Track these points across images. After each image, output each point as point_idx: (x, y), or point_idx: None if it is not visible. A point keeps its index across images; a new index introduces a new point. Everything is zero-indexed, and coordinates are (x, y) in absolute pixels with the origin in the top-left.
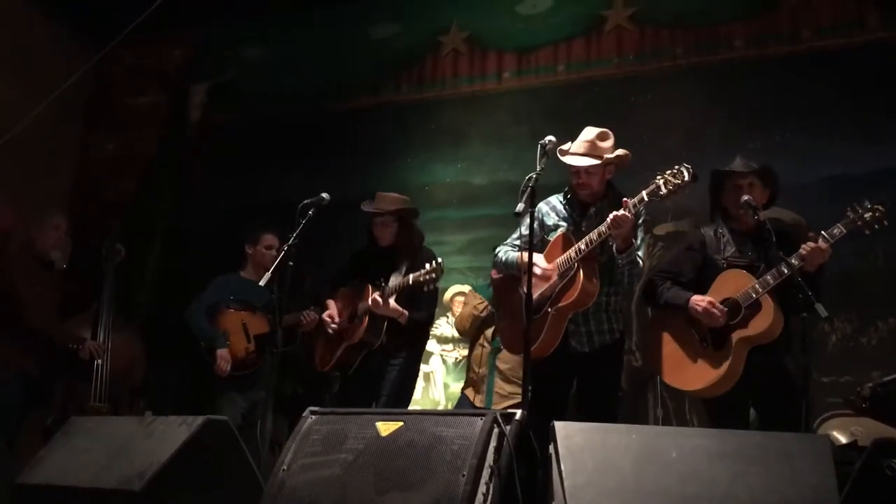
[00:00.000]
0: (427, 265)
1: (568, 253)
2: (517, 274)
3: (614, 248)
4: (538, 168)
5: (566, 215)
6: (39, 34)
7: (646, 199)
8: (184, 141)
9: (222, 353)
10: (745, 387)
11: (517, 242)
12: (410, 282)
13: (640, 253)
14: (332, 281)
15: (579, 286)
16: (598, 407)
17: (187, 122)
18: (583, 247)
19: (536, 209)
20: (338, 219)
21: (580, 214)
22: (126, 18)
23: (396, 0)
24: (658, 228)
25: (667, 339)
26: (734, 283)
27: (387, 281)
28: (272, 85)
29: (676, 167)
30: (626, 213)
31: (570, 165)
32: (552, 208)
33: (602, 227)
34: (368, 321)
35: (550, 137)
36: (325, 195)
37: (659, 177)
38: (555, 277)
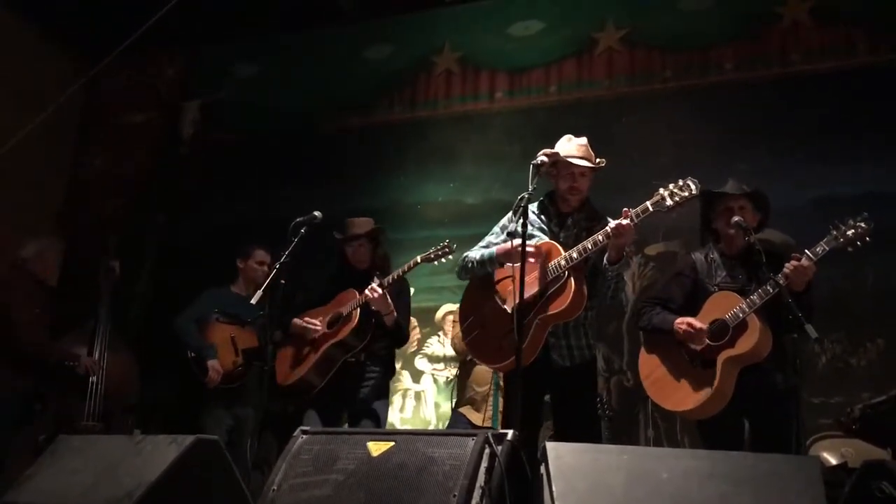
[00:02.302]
0: (433, 247)
1: (557, 260)
2: (496, 268)
3: (605, 258)
4: (530, 188)
5: (542, 226)
6: (32, 52)
7: (651, 209)
8: (176, 158)
9: (213, 363)
10: (737, 406)
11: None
12: (419, 260)
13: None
14: (302, 306)
15: (571, 295)
16: (582, 424)
17: (180, 140)
18: (575, 255)
19: (508, 220)
20: (330, 237)
21: (558, 225)
22: (119, 36)
23: (390, 21)
24: (649, 249)
25: (657, 362)
26: (724, 305)
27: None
28: (265, 103)
29: (682, 181)
30: (629, 223)
31: (572, 166)
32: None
33: (599, 236)
34: (360, 318)
35: (543, 157)
36: (317, 214)
37: (663, 189)
38: (537, 286)
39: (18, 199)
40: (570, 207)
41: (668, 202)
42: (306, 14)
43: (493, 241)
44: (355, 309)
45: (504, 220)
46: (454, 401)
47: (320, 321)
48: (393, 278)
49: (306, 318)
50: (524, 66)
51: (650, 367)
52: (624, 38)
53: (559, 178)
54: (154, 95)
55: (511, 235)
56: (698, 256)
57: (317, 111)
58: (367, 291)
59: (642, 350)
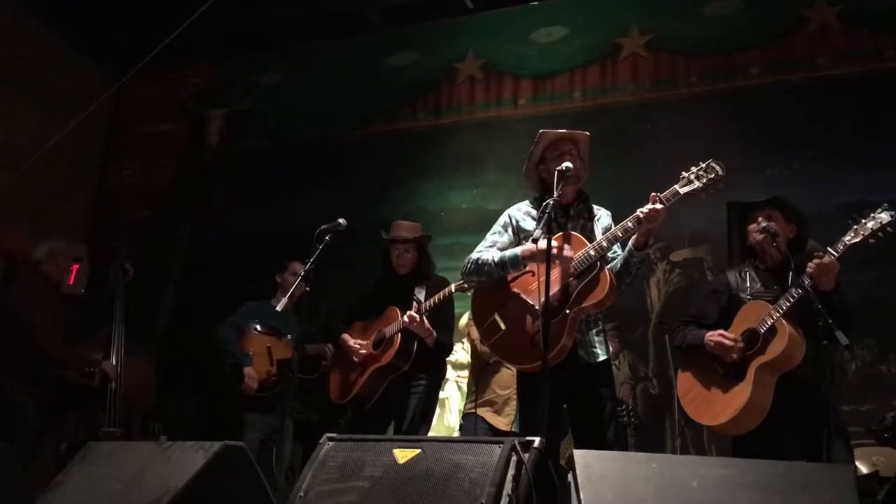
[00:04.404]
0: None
1: (585, 251)
2: (519, 270)
3: (631, 243)
4: (555, 193)
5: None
6: (59, 63)
7: (680, 192)
8: (201, 167)
9: (249, 370)
10: (773, 422)
11: (492, 248)
12: (454, 289)
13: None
14: (347, 317)
15: (608, 284)
16: (605, 424)
17: (205, 148)
18: (605, 244)
19: (509, 216)
20: (354, 245)
21: (562, 215)
22: (146, 48)
23: (413, 29)
24: (674, 255)
25: (693, 379)
26: (754, 314)
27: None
28: (290, 112)
29: (703, 163)
30: (662, 207)
31: (557, 143)
32: (526, 213)
33: (628, 223)
34: (400, 342)
35: (568, 164)
36: (341, 221)
37: (686, 172)
38: (560, 282)
39: (47, 208)
40: (567, 199)
41: (697, 184)
42: (330, 23)
43: (499, 241)
44: (396, 333)
45: (505, 217)
46: (465, 403)
47: (365, 343)
48: (431, 304)
49: (354, 339)
50: (548, 73)
51: (687, 385)
52: (648, 44)
53: (552, 164)
54: (179, 106)
55: (535, 242)
56: (732, 274)
57: (341, 119)
58: (405, 318)
59: (679, 370)
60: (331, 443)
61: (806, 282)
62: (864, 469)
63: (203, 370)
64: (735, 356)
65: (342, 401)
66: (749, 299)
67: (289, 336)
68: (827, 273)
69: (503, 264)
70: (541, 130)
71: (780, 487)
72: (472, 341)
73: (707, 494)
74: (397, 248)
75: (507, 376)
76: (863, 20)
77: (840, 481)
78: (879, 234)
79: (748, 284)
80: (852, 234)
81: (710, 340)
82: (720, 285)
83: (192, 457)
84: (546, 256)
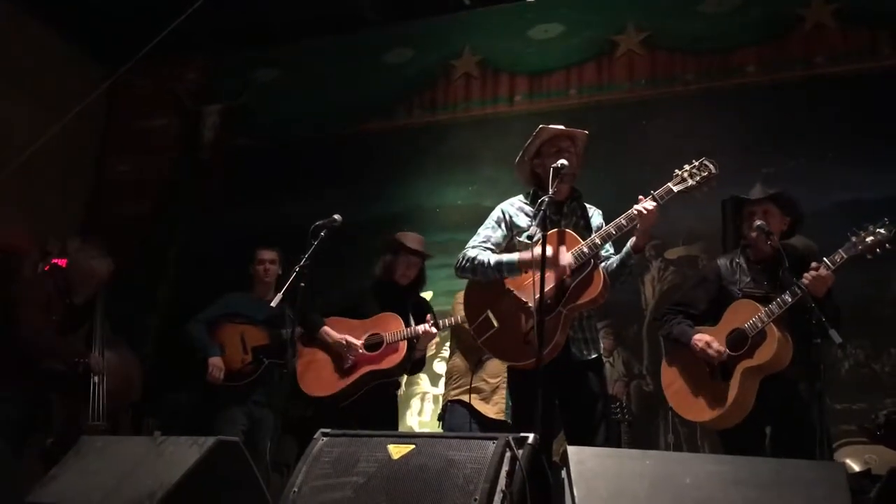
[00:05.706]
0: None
1: (580, 248)
2: (519, 274)
3: (630, 245)
4: (550, 190)
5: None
6: (55, 56)
7: (674, 190)
8: (197, 163)
9: (213, 360)
10: (759, 416)
11: (488, 245)
12: (459, 320)
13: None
14: (328, 311)
15: (602, 282)
16: (597, 421)
17: (200, 144)
18: (598, 241)
19: (502, 212)
20: (352, 241)
21: (556, 213)
22: (141, 41)
23: (410, 25)
24: (669, 252)
25: (677, 372)
26: (744, 314)
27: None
28: (285, 108)
29: (696, 161)
30: (654, 205)
31: (555, 140)
32: (519, 209)
33: (622, 220)
34: (406, 351)
35: (564, 161)
36: (337, 217)
37: (679, 170)
38: (555, 279)
39: (41, 203)
40: (562, 196)
41: (690, 182)
42: (327, 19)
43: (492, 236)
44: (402, 341)
45: (498, 213)
46: (448, 390)
47: (358, 342)
48: (448, 323)
49: (346, 336)
50: (544, 70)
51: (671, 377)
52: (644, 41)
53: (548, 160)
54: (175, 101)
55: (530, 239)
56: (723, 262)
57: (337, 116)
58: (423, 329)
59: (664, 360)
60: (325, 438)
61: (798, 292)
62: (856, 467)
63: (199, 368)
64: (721, 360)
65: (322, 393)
66: (739, 294)
67: (261, 320)
68: (822, 285)
69: (499, 268)
70: (540, 126)
71: (773, 484)
72: (461, 324)
73: (700, 491)
74: (407, 260)
75: (496, 364)
76: (859, 18)
77: (832, 478)
78: (878, 250)
79: (738, 276)
80: (851, 248)
81: (697, 345)
82: (710, 273)
83: (185, 452)
84: (542, 255)
